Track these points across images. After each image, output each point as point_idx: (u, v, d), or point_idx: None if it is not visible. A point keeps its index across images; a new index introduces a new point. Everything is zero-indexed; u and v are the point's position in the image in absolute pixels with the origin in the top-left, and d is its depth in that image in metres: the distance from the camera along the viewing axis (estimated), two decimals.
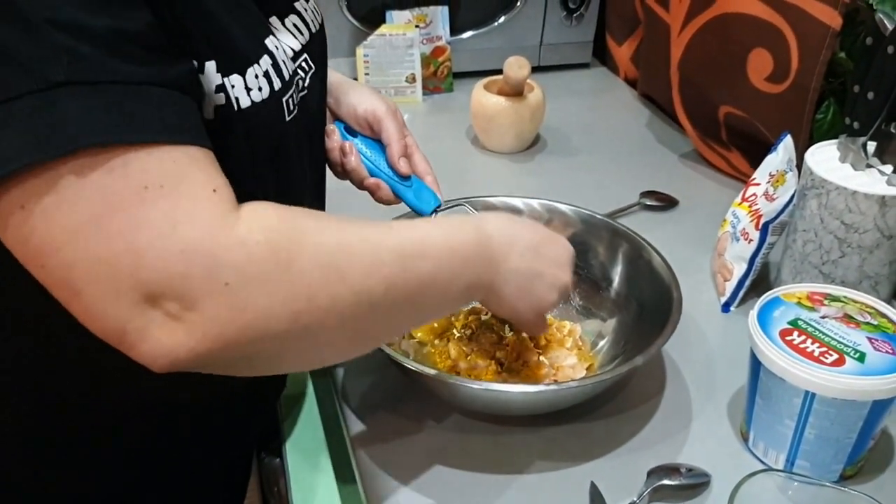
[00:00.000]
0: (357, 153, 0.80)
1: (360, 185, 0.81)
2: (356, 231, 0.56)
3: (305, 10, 0.74)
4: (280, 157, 0.67)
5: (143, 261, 0.46)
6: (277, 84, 0.63)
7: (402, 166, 0.80)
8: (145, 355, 0.48)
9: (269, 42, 0.64)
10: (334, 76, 0.86)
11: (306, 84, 0.71)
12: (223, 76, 0.58)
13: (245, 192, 0.55)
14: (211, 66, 0.57)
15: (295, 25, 0.71)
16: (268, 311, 0.49)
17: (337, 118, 0.85)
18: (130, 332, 0.48)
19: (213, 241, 0.47)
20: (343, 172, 0.82)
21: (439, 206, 0.81)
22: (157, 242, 0.46)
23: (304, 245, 0.52)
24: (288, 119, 0.65)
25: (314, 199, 0.78)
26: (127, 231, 0.46)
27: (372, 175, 0.81)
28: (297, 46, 0.71)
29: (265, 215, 0.51)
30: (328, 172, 0.82)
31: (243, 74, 0.60)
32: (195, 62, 0.56)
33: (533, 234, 0.70)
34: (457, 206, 0.83)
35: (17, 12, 0.45)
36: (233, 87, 0.59)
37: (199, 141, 0.50)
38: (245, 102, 0.60)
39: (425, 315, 0.66)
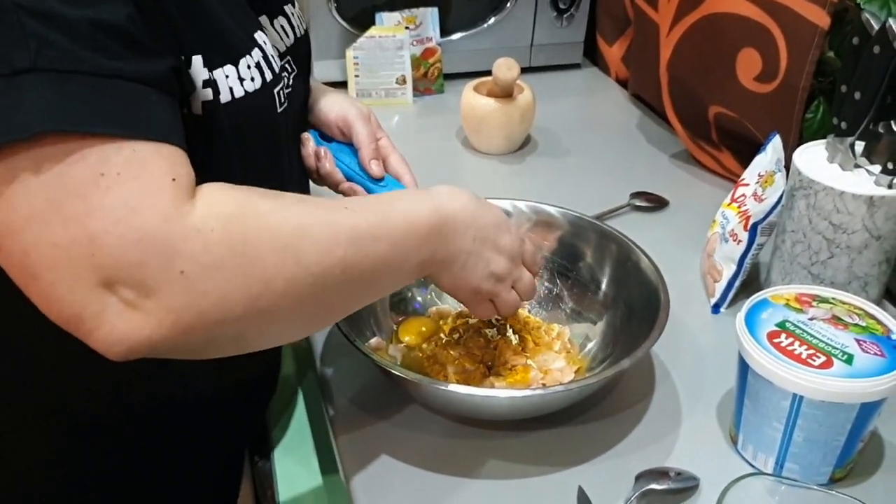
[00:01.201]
0: (331, 158, 0.81)
1: (336, 188, 0.82)
2: (313, 212, 0.56)
3: (293, 14, 0.74)
4: (272, 147, 0.68)
5: (98, 247, 0.46)
6: (269, 75, 0.64)
7: (374, 168, 0.81)
8: (101, 341, 0.49)
9: (258, 36, 0.65)
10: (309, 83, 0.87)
11: (290, 83, 0.71)
12: (214, 68, 0.59)
13: (235, 182, 0.56)
14: (198, 60, 0.57)
15: (283, 27, 0.72)
16: (224, 298, 0.50)
17: (311, 125, 0.85)
18: (87, 319, 0.48)
19: (168, 230, 0.48)
20: (319, 178, 0.82)
21: None
22: (112, 229, 0.47)
23: (260, 229, 0.52)
24: (279, 110, 0.66)
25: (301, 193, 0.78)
26: (82, 216, 0.46)
27: (347, 179, 0.81)
28: (283, 48, 0.71)
29: (222, 200, 0.52)
30: None
31: (236, 65, 0.61)
32: (182, 56, 0.56)
33: (488, 219, 0.69)
34: None
35: None
36: (227, 76, 0.60)
37: (165, 137, 0.50)
38: (239, 92, 0.61)
39: (380, 291, 0.67)
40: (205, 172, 0.55)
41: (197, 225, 0.49)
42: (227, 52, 0.60)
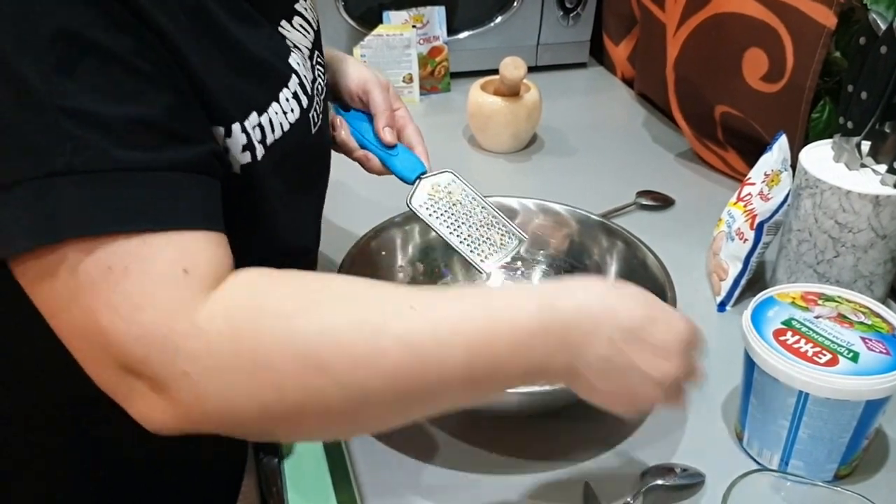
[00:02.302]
0: (346, 127, 0.83)
1: (351, 156, 0.84)
2: (357, 312, 0.50)
3: (306, 9, 0.75)
4: (308, 168, 0.69)
5: (109, 339, 0.47)
6: (305, 101, 0.65)
7: (387, 135, 0.83)
8: (135, 415, 0.50)
9: (292, 60, 0.66)
10: (330, 53, 0.89)
11: (325, 84, 0.72)
12: (261, 112, 0.59)
13: (278, 214, 0.58)
14: (237, 126, 0.57)
15: (301, 26, 0.73)
16: (231, 402, 0.48)
17: (333, 94, 0.87)
18: (120, 397, 0.50)
19: (170, 328, 0.47)
20: (334, 145, 0.84)
21: (424, 173, 0.83)
22: (117, 325, 0.47)
23: (274, 333, 0.48)
24: (314, 132, 0.68)
25: (321, 195, 0.80)
26: (93, 311, 0.47)
27: (361, 147, 0.84)
28: (309, 45, 0.72)
29: (236, 299, 0.49)
30: None
31: (278, 100, 0.61)
32: (222, 127, 0.56)
33: (633, 312, 0.54)
34: (442, 173, 0.84)
35: (32, 96, 0.46)
36: (276, 114, 0.60)
37: (188, 224, 0.50)
38: (284, 126, 0.61)
39: (465, 400, 0.55)
40: (248, 218, 0.57)
41: (202, 324, 0.47)
42: (269, 90, 0.61)
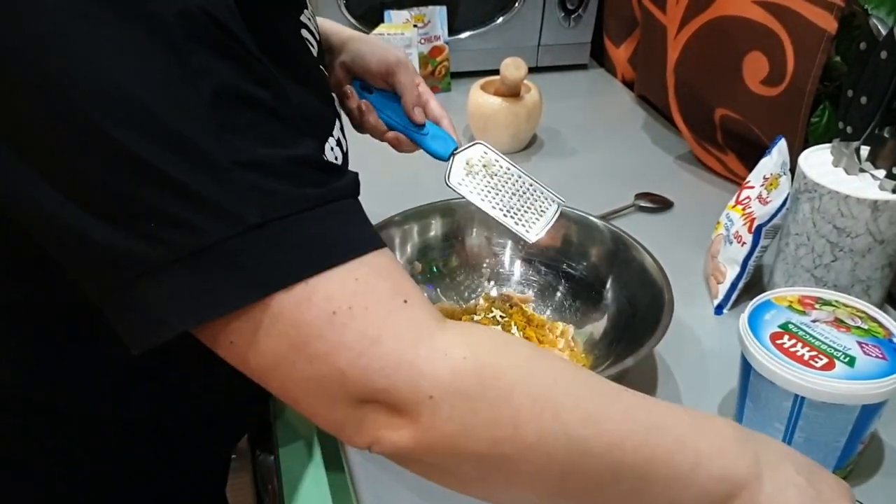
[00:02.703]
0: (374, 111, 0.83)
1: (381, 138, 0.84)
2: (581, 377, 0.52)
3: (309, 19, 0.75)
4: None
5: (347, 378, 0.47)
6: (345, 145, 0.65)
7: (417, 115, 0.82)
8: (360, 444, 0.50)
9: (336, 103, 0.66)
10: (343, 31, 0.89)
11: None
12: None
13: None
14: None
15: (308, 39, 0.72)
16: (469, 429, 0.48)
17: (353, 75, 0.87)
18: (347, 430, 0.49)
19: (413, 354, 0.47)
20: (363, 131, 0.85)
21: (456, 149, 0.83)
22: (356, 362, 0.47)
23: (513, 368, 0.49)
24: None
25: None
26: (326, 355, 0.47)
27: (390, 128, 0.84)
28: (315, 54, 0.72)
29: (474, 334, 0.50)
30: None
31: (323, 151, 0.62)
32: None
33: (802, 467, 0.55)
34: (473, 146, 0.84)
35: (205, 158, 0.45)
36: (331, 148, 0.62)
37: (375, 243, 0.50)
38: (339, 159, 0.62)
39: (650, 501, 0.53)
40: None
41: (444, 348, 0.48)
42: (320, 138, 0.61)
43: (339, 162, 0.63)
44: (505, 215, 0.80)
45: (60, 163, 0.44)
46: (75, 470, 0.72)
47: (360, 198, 0.78)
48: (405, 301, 0.49)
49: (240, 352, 0.48)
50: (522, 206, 0.81)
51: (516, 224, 0.80)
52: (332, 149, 0.62)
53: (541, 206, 0.82)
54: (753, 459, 0.52)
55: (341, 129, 0.66)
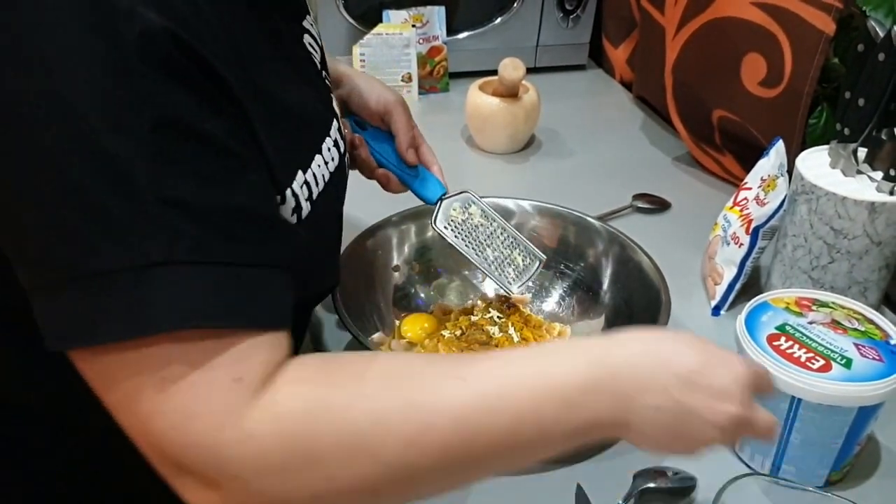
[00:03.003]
0: (367, 147, 0.83)
1: (370, 175, 0.84)
2: (405, 394, 0.50)
3: (311, 25, 0.74)
4: (338, 211, 0.70)
5: (162, 443, 0.47)
6: (342, 146, 0.65)
7: (410, 156, 0.83)
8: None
9: (335, 104, 0.66)
10: (340, 67, 0.88)
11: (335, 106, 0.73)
12: (307, 168, 0.59)
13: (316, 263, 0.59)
14: (288, 192, 0.57)
15: (311, 44, 0.72)
16: (285, 495, 0.48)
17: (349, 110, 0.87)
18: (175, 486, 0.49)
19: (219, 437, 0.47)
20: (353, 164, 0.83)
21: (444, 195, 0.83)
22: (168, 433, 0.47)
23: (328, 429, 0.48)
24: (349, 171, 0.68)
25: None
26: (146, 418, 0.47)
27: (380, 166, 0.83)
28: (318, 63, 0.72)
29: (287, 401, 0.48)
30: None
31: (321, 151, 0.61)
32: (278, 195, 0.56)
33: (687, 359, 0.52)
34: (461, 193, 0.84)
35: (129, 184, 0.44)
36: (318, 166, 0.61)
37: (259, 322, 0.49)
38: (326, 176, 0.62)
39: (512, 464, 0.55)
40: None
41: (253, 431, 0.47)
42: (313, 143, 0.61)
43: (337, 163, 0.62)
44: (489, 265, 0.82)
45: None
46: (74, 472, 0.72)
47: (358, 200, 0.78)
48: (239, 379, 0.47)
49: (93, 384, 0.48)
50: (506, 259, 0.83)
51: (499, 275, 0.83)
52: (328, 149, 0.62)
53: (524, 261, 0.84)
54: (608, 403, 0.50)
55: (339, 129, 0.66)
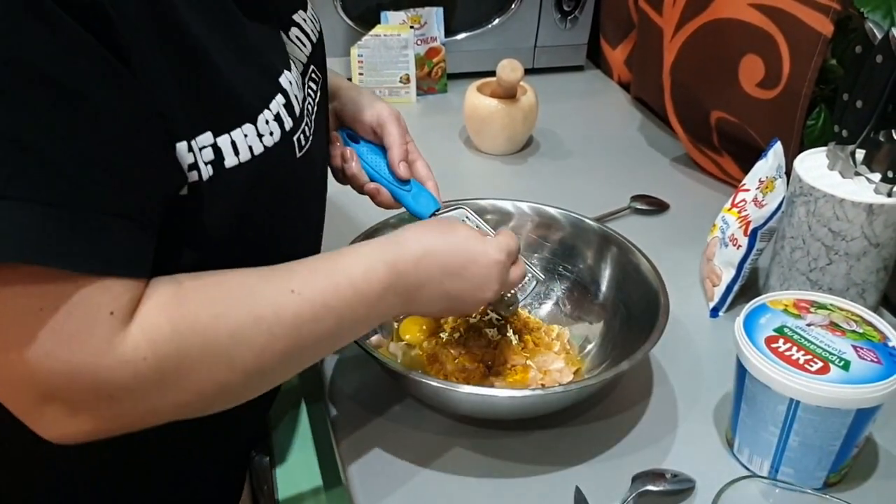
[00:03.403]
0: (357, 159, 0.82)
1: (361, 189, 0.82)
2: (254, 309, 0.57)
3: (305, 20, 0.74)
4: (292, 192, 0.68)
5: (32, 373, 0.49)
6: (289, 123, 0.64)
7: (402, 170, 0.81)
8: (41, 435, 0.53)
9: (283, 79, 0.65)
10: (338, 80, 0.87)
11: (317, 100, 0.72)
12: (230, 130, 0.59)
13: (245, 239, 0.61)
14: (182, 145, 0.56)
15: (297, 38, 0.72)
16: (153, 412, 0.54)
17: (342, 123, 0.86)
18: (28, 419, 0.52)
19: (96, 364, 0.50)
20: (344, 178, 0.83)
21: (438, 210, 0.81)
22: (45, 361, 0.49)
23: (194, 346, 0.53)
24: (299, 155, 0.66)
25: (317, 210, 0.79)
26: (19, 345, 0.49)
27: (372, 180, 0.82)
28: (304, 59, 0.71)
29: (156, 324, 0.52)
30: (329, 178, 0.83)
31: (255, 122, 0.60)
32: (187, 140, 0.56)
33: (455, 258, 0.67)
34: (455, 209, 0.83)
35: None
36: (245, 136, 0.60)
37: (117, 271, 0.51)
38: (258, 149, 0.60)
39: (330, 351, 0.67)
40: (206, 237, 0.59)
41: (128, 356, 0.51)
42: (245, 110, 0.60)
43: (277, 139, 0.62)
44: None
45: None
46: (78, 474, 0.72)
47: (357, 201, 0.78)
48: (112, 313, 0.50)
49: None
50: None
51: None
52: (266, 122, 0.61)
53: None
54: (404, 295, 0.65)
55: (290, 106, 0.64)
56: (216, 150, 0.57)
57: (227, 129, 0.58)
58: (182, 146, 0.56)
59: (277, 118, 0.62)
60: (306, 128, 0.67)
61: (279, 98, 0.63)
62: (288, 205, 0.68)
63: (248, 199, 0.62)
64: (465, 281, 0.68)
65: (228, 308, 0.56)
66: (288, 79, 0.65)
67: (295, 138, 0.65)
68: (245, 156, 0.59)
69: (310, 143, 0.68)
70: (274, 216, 0.66)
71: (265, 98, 0.62)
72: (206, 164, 0.57)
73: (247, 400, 0.61)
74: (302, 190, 0.70)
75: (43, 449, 0.69)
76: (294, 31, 0.72)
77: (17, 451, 0.71)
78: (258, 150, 0.60)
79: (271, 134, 0.62)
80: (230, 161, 0.58)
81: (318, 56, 0.75)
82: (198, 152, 0.57)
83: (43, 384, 0.50)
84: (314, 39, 0.74)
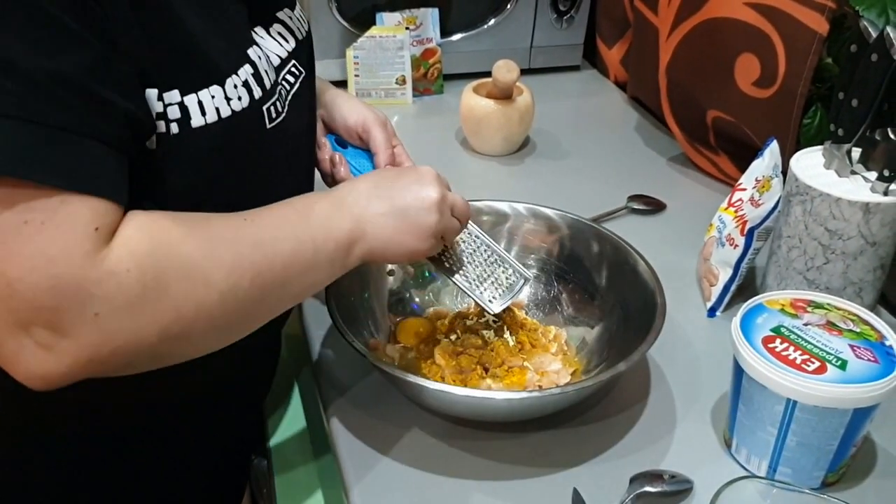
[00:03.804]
0: (346, 164, 0.82)
1: None
2: (218, 232, 0.58)
3: (290, 18, 0.75)
4: (261, 162, 0.68)
5: (14, 292, 0.49)
6: (258, 92, 0.64)
7: None
8: (19, 376, 0.52)
9: (252, 52, 0.65)
10: (326, 88, 0.88)
11: (296, 90, 0.72)
12: (198, 90, 0.59)
13: (214, 203, 0.59)
14: (174, 93, 0.58)
15: (280, 34, 0.72)
16: (137, 332, 0.53)
17: (329, 129, 0.87)
18: (3, 356, 0.51)
19: (82, 276, 0.50)
20: (333, 182, 0.83)
21: None
22: (28, 276, 0.49)
23: (172, 260, 0.54)
24: (269, 126, 0.66)
25: (288, 191, 0.79)
26: (1, 261, 0.48)
27: None
28: (284, 54, 0.72)
29: (137, 238, 0.53)
30: (318, 181, 0.83)
31: (222, 84, 0.61)
32: (148, 90, 0.57)
33: (383, 175, 0.71)
34: None
35: None
36: (213, 97, 0.60)
37: (100, 191, 0.52)
38: (225, 112, 0.61)
39: (302, 288, 0.66)
40: (175, 197, 0.58)
41: (112, 268, 0.51)
42: (212, 72, 0.61)
43: (245, 105, 0.63)
44: (469, 283, 0.81)
45: None
46: (72, 474, 0.72)
47: None
48: (96, 229, 0.51)
49: None
50: (488, 278, 0.82)
51: (480, 294, 0.81)
52: (235, 87, 0.62)
53: (507, 280, 0.83)
54: (351, 218, 0.66)
55: (259, 77, 0.65)
56: (183, 108, 0.59)
57: (194, 89, 0.59)
58: (152, 93, 0.57)
59: (246, 85, 0.63)
60: (278, 102, 0.68)
61: (247, 67, 0.64)
62: (256, 175, 0.69)
63: (215, 162, 0.63)
64: (403, 188, 0.69)
65: (194, 229, 0.57)
66: (257, 53, 0.66)
67: (265, 108, 0.66)
68: (212, 116, 0.60)
69: (282, 117, 0.68)
70: (240, 184, 0.67)
71: (233, 65, 0.63)
72: (172, 121, 0.58)
73: (228, 339, 0.61)
74: (272, 163, 0.71)
75: (39, 450, 0.70)
76: (277, 27, 0.73)
77: (13, 453, 0.71)
78: (225, 112, 0.61)
79: (239, 99, 0.62)
80: (196, 121, 0.59)
81: (301, 53, 0.75)
82: (166, 106, 0.58)
83: (26, 305, 0.49)
84: (299, 37, 0.75)
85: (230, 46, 0.63)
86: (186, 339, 0.56)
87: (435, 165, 0.85)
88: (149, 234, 0.54)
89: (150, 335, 0.53)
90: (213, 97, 0.60)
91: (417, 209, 0.69)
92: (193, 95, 0.59)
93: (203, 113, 0.60)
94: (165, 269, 0.53)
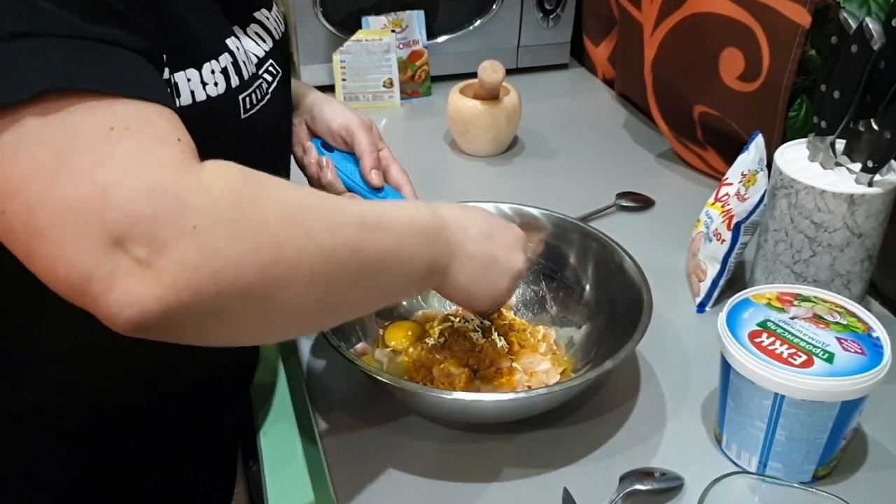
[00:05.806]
0: (333, 167, 0.83)
1: None
2: (316, 195, 0.56)
3: (268, 18, 0.75)
4: (233, 155, 0.68)
5: (109, 200, 0.44)
6: (235, 81, 0.64)
7: (374, 178, 0.82)
8: (112, 304, 0.45)
9: (231, 42, 0.65)
10: (308, 92, 0.88)
11: (272, 89, 0.72)
12: (175, 70, 0.59)
13: None
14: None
15: (257, 34, 0.72)
16: (237, 259, 0.47)
17: (314, 134, 0.87)
18: (96, 280, 0.45)
19: (178, 183, 0.46)
20: (320, 186, 0.83)
21: None
22: (123, 181, 0.45)
23: (267, 199, 0.50)
24: (244, 116, 0.66)
25: None
26: (92, 168, 0.45)
27: (347, 188, 0.83)
28: (261, 53, 0.72)
29: (228, 168, 0.50)
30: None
31: (199, 68, 0.61)
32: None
33: (484, 221, 0.70)
34: None
35: None
36: (188, 80, 0.60)
37: (165, 101, 0.50)
38: (200, 96, 0.61)
39: (388, 289, 0.63)
40: None
41: (206, 184, 0.47)
42: (191, 54, 0.61)
43: (221, 91, 0.63)
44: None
45: None
46: (59, 474, 0.72)
47: None
48: (179, 140, 0.49)
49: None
50: None
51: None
52: (212, 72, 0.62)
53: None
54: (447, 246, 0.65)
55: (237, 66, 0.65)
56: (171, 85, 0.58)
57: (172, 70, 0.59)
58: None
59: (224, 72, 0.63)
60: (254, 94, 0.68)
61: (227, 56, 0.64)
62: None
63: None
64: (498, 243, 0.70)
65: (291, 186, 0.55)
66: (235, 44, 0.66)
67: (241, 98, 0.65)
68: (186, 99, 0.60)
69: (256, 109, 0.68)
70: None
71: (212, 50, 0.63)
72: None
73: (313, 319, 0.58)
74: (246, 155, 0.70)
75: (27, 450, 0.70)
76: (254, 27, 0.73)
77: (3, 452, 0.71)
78: (200, 97, 0.61)
79: (216, 84, 0.62)
80: (175, 101, 0.59)
81: (278, 53, 0.75)
82: None
83: (122, 214, 0.44)
84: (276, 37, 0.75)
85: (209, 33, 0.63)
86: (285, 289, 0.51)
87: (424, 167, 0.86)
88: (241, 171, 0.51)
89: (250, 266, 0.48)
90: (188, 80, 0.60)
91: (501, 270, 0.70)
92: (169, 76, 0.58)
93: (178, 95, 0.59)
94: (263, 204, 0.50)
